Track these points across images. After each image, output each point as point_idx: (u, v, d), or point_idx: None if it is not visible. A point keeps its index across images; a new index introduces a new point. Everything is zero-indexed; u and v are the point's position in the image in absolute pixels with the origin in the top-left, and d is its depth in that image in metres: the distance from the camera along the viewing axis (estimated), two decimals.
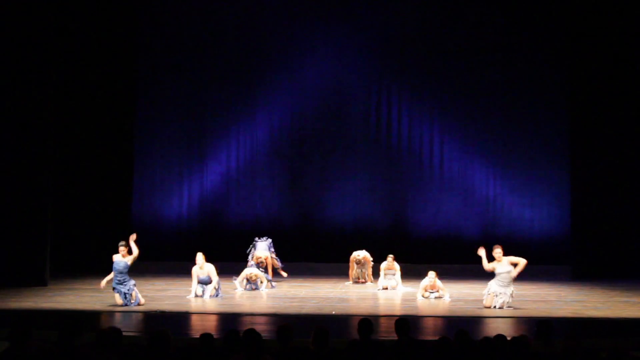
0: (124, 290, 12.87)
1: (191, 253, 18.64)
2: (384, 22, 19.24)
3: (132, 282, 13.00)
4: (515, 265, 12.94)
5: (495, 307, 12.78)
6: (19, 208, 15.86)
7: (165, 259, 18.53)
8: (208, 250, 18.67)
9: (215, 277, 14.06)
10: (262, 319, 11.93)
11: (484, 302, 12.99)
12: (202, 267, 14.11)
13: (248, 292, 15.22)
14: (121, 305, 12.76)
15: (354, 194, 19.27)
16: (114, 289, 12.93)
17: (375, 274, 16.54)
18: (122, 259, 12.94)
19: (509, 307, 12.79)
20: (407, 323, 7.69)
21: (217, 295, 14.05)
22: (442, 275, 15.54)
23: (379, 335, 10.03)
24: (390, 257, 15.93)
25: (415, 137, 19.30)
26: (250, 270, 15.57)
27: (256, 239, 17.06)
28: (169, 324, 11.32)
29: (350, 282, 16.85)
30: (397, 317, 7.96)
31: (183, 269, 15.16)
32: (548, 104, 18.90)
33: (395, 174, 19.25)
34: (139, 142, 19.21)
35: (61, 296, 14.24)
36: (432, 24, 19.18)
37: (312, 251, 18.95)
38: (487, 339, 7.17)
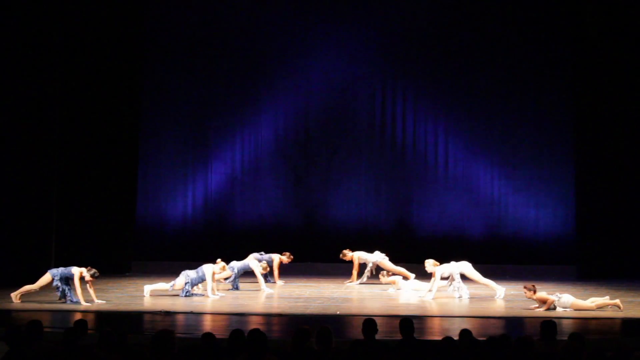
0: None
1: (196, 253, 18.77)
2: (389, 22, 19.21)
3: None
4: None
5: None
6: (23, 208, 15.85)
7: (169, 259, 18.52)
8: (212, 250, 18.81)
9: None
10: (267, 319, 11.94)
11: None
12: None
13: (251, 292, 15.24)
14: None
15: (358, 194, 19.26)
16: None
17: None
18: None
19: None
20: (411, 323, 7.69)
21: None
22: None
23: (383, 335, 9.99)
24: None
25: (419, 137, 19.28)
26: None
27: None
28: (173, 324, 11.33)
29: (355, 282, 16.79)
30: (401, 317, 7.97)
31: (187, 269, 15.11)
32: (553, 104, 18.86)
33: (400, 173, 19.23)
34: (143, 142, 19.18)
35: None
36: (437, 23, 19.14)
37: (317, 251, 18.92)
38: (492, 338, 7.17)
